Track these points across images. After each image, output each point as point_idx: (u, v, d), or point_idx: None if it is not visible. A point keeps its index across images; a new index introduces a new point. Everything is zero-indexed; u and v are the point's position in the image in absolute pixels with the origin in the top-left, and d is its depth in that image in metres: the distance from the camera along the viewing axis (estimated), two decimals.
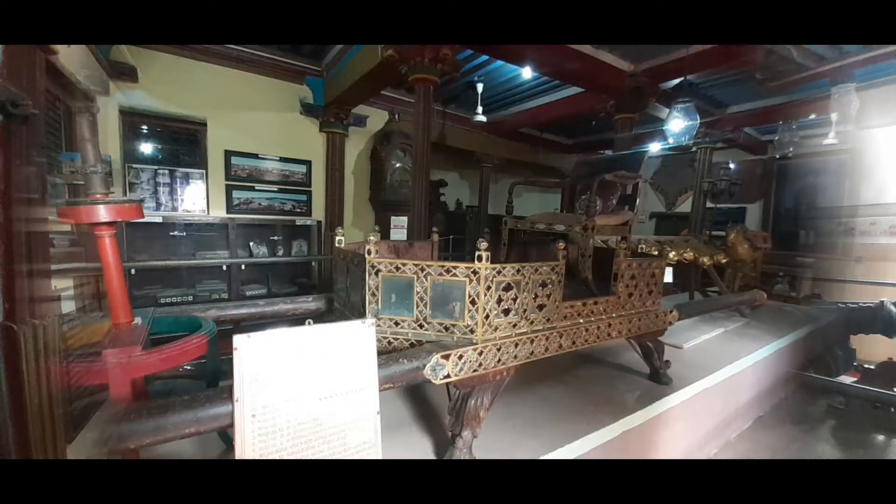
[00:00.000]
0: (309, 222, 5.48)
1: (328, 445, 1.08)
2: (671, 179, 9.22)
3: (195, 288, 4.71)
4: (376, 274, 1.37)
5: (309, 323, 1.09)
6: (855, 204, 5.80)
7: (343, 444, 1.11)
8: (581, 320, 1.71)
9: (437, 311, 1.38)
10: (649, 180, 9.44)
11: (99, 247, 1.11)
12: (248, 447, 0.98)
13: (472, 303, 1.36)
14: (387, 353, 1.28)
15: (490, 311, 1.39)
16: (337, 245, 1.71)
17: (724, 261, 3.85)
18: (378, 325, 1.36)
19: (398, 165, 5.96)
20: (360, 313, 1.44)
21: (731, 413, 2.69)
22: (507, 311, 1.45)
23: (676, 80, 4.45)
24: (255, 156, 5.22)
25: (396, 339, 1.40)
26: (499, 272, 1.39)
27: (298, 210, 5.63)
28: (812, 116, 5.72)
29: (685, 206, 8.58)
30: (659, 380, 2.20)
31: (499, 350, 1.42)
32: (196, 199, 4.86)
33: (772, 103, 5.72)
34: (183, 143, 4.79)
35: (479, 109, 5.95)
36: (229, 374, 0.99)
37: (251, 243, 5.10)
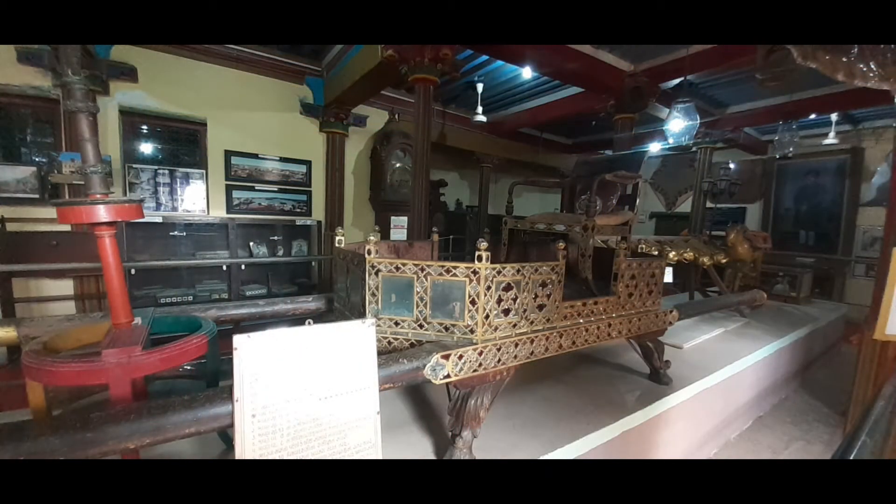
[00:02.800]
0: (309, 222, 5.49)
1: (328, 445, 1.08)
2: (671, 179, 9.23)
3: (195, 288, 4.71)
4: (376, 274, 1.37)
5: (309, 323, 1.09)
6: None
7: (343, 444, 1.10)
8: (581, 320, 1.71)
9: (437, 311, 1.38)
10: (649, 180, 9.45)
11: (99, 247, 1.10)
12: (248, 447, 0.98)
13: (472, 303, 1.36)
14: (387, 353, 1.27)
15: (490, 311, 1.39)
16: (337, 245, 1.71)
17: (724, 261, 3.85)
18: (378, 325, 1.36)
19: (398, 165, 5.96)
20: (360, 313, 1.44)
21: (731, 413, 2.69)
22: (507, 311, 1.45)
23: (676, 80, 4.46)
24: (255, 156, 5.22)
25: (396, 339, 1.40)
26: (499, 272, 1.39)
27: (298, 210, 5.64)
28: (812, 116, 5.73)
29: (685, 206, 8.58)
30: (659, 380, 2.21)
31: (499, 350, 1.42)
32: (196, 199, 4.86)
33: (772, 103, 5.72)
34: (183, 143, 4.79)
35: (479, 109, 5.96)
36: (229, 374, 0.99)
37: (251, 243, 5.10)
